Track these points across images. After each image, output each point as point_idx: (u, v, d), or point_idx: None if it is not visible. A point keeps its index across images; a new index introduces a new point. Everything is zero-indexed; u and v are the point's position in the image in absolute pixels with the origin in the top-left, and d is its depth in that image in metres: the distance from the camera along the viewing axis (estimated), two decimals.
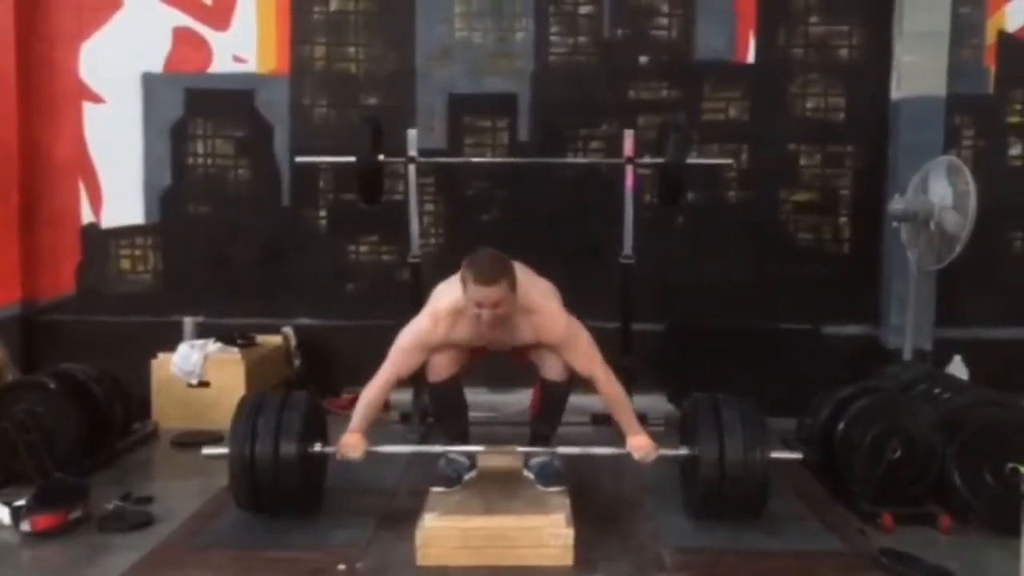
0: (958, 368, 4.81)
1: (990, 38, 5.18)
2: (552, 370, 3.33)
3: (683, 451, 3.36)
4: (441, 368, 3.35)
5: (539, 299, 3.23)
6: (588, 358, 3.22)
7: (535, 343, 3.25)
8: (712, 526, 3.29)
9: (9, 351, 4.90)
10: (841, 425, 3.60)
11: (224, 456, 3.27)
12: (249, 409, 3.35)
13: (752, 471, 3.17)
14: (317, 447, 3.33)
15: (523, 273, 3.22)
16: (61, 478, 3.43)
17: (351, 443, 3.24)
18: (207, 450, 3.42)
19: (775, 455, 3.28)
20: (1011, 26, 5.19)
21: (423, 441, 4.32)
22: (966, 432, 3.42)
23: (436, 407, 3.53)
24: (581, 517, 3.15)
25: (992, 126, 5.22)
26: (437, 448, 3.50)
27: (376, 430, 4.67)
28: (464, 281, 3.04)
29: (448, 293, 3.24)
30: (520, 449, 3.45)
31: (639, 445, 3.25)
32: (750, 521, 3.27)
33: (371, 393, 3.29)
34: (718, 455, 3.18)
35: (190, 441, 4.39)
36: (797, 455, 3.44)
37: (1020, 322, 5.14)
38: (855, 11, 5.23)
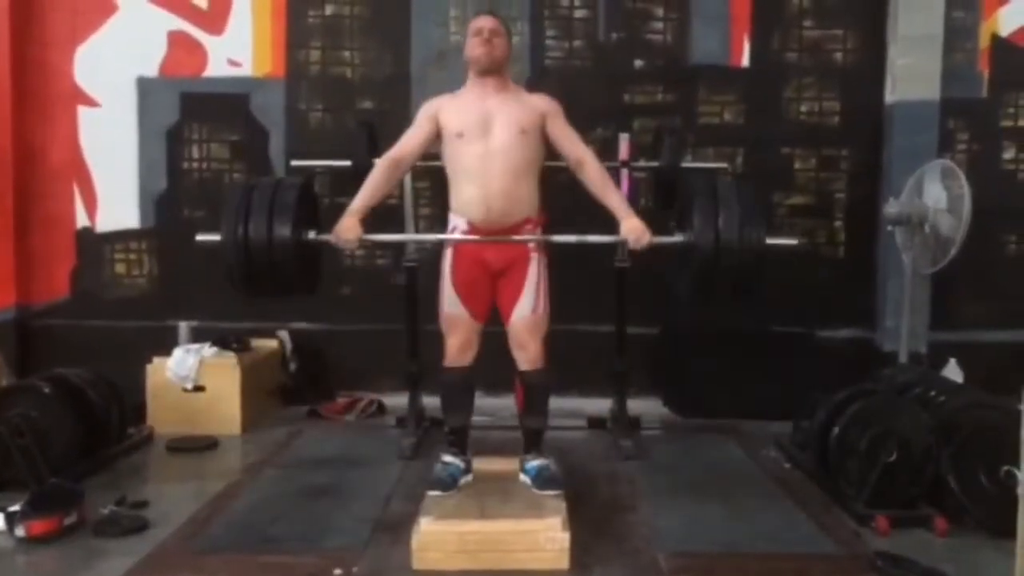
0: (953, 371, 4.82)
1: (984, 42, 5.20)
2: (526, 359, 3.37)
3: (678, 237, 3.37)
4: (457, 354, 3.39)
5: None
6: (575, 137, 3.43)
7: (526, 116, 3.34)
8: (707, 529, 3.30)
9: (3, 355, 4.89)
10: (836, 428, 3.61)
11: (217, 242, 3.24)
12: (241, 193, 3.33)
13: (747, 254, 3.17)
14: (311, 234, 3.32)
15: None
16: (56, 483, 3.42)
17: (347, 226, 3.24)
18: (201, 236, 3.41)
19: (771, 241, 3.30)
20: (1004, 30, 5.21)
21: (419, 447, 4.32)
22: (961, 435, 3.43)
23: (444, 394, 3.52)
24: (577, 521, 3.15)
25: (986, 130, 5.24)
26: (433, 236, 3.53)
27: (371, 435, 4.71)
28: (468, 29, 3.45)
29: None
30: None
31: (633, 227, 3.30)
32: (749, 514, 3.26)
33: (372, 175, 3.36)
34: (714, 239, 3.18)
35: (185, 446, 4.39)
36: (792, 240, 3.47)
37: (1015, 325, 5.16)
38: (849, 15, 5.24)
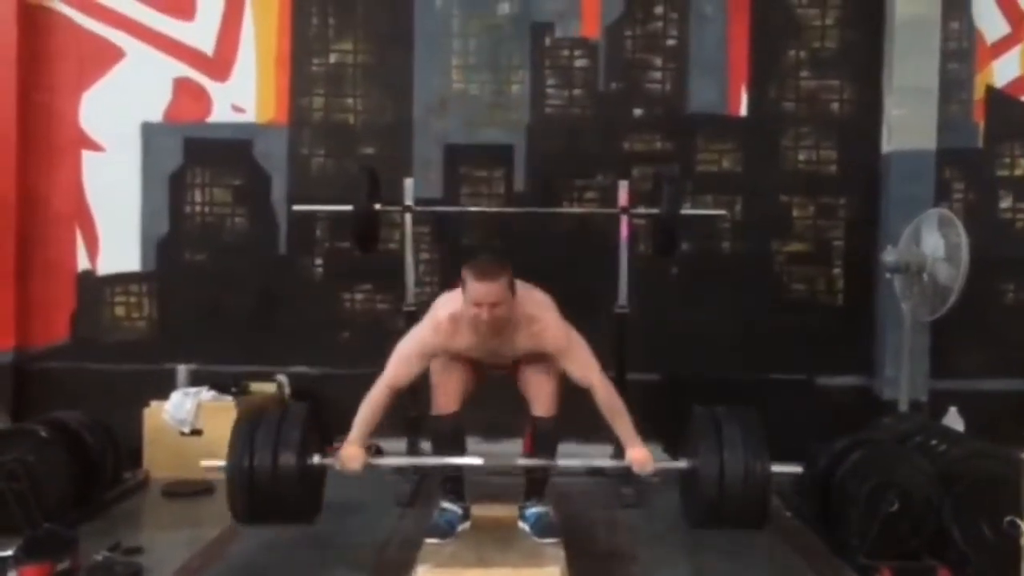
0: (953, 420, 4.80)
1: (978, 93, 5.27)
2: (541, 406, 3.34)
3: (682, 463, 3.33)
4: (445, 402, 3.36)
5: (537, 308, 3.27)
6: (586, 366, 3.25)
7: (533, 351, 3.25)
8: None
9: (0, 399, 4.88)
10: (837, 478, 3.58)
11: (222, 468, 3.23)
12: (247, 422, 3.34)
13: (752, 484, 3.13)
14: (316, 459, 3.30)
15: (521, 285, 3.26)
16: (50, 528, 3.38)
17: (350, 454, 3.24)
18: (206, 462, 3.38)
19: (776, 468, 3.26)
20: (999, 82, 5.28)
21: (416, 493, 4.28)
22: (963, 485, 3.40)
23: (435, 443, 3.49)
24: (576, 570, 3.12)
25: (982, 179, 5.29)
26: (433, 460, 3.48)
27: (368, 481, 4.66)
28: (464, 282, 3.10)
29: (448, 302, 3.28)
30: (520, 462, 3.46)
31: (638, 458, 3.26)
32: (750, 565, 3.23)
33: (369, 404, 3.31)
34: (718, 468, 3.15)
35: (181, 491, 4.36)
36: (797, 468, 3.42)
37: (1014, 374, 5.15)
38: (845, 66, 5.32)
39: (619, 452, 4.53)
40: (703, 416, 3.40)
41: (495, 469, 3.49)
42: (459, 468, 3.46)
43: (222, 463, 3.27)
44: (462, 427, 3.45)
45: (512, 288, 3.12)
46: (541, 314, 3.25)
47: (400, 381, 3.30)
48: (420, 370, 3.31)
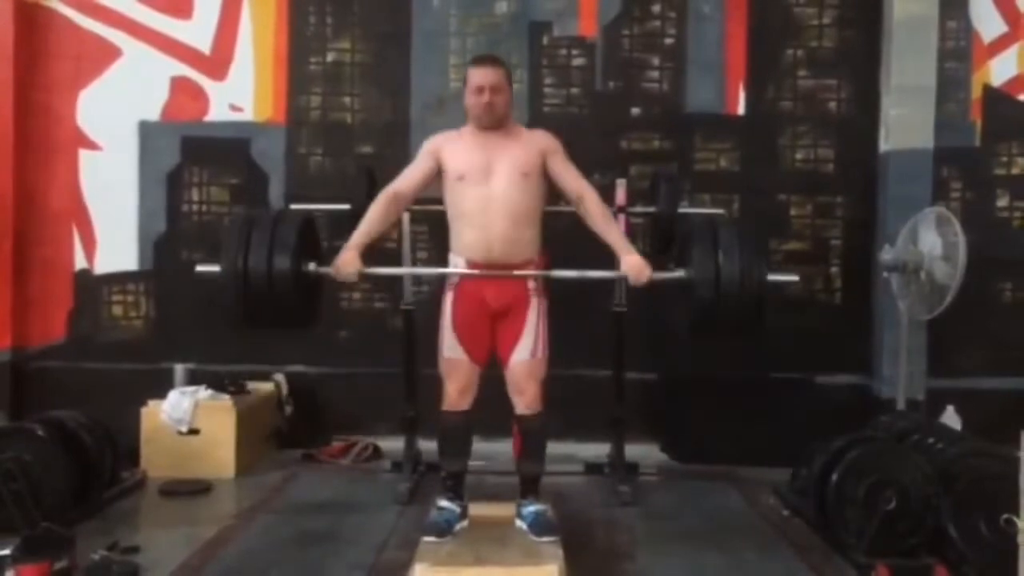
0: (951, 418, 4.82)
1: (976, 92, 5.27)
2: (524, 403, 3.36)
3: (678, 273, 3.34)
4: (456, 398, 3.38)
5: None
6: (575, 173, 3.41)
7: (527, 158, 3.35)
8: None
9: None
10: (834, 476, 3.58)
11: (216, 273, 3.23)
12: (241, 224, 3.33)
13: (748, 290, 3.15)
14: (311, 266, 3.30)
15: None
16: (47, 527, 3.38)
17: (347, 259, 3.26)
18: (201, 267, 3.41)
19: (772, 277, 3.28)
20: (996, 81, 5.28)
21: (414, 492, 4.28)
22: (960, 483, 3.41)
23: (442, 438, 3.51)
24: (574, 568, 3.12)
25: (979, 178, 5.29)
26: (430, 271, 3.52)
27: (366, 480, 4.68)
28: (466, 79, 3.39)
29: None
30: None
31: (633, 264, 3.29)
32: (748, 563, 3.23)
33: (372, 209, 3.37)
34: (714, 276, 3.16)
35: (178, 490, 4.35)
36: (793, 277, 3.48)
37: (1012, 372, 5.15)
38: (843, 65, 5.32)
39: (617, 452, 4.56)
40: (700, 227, 3.40)
41: (491, 480, 3.48)
42: (463, 465, 3.46)
43: (216, 267, 3.25)
44: (471, 426, 3.47)
45: (509, 78, 3.41)
46: (535, 130, 3.57)
47: (404, 184, 3.40)
48: (426, 171, 3.41)
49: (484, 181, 3.32)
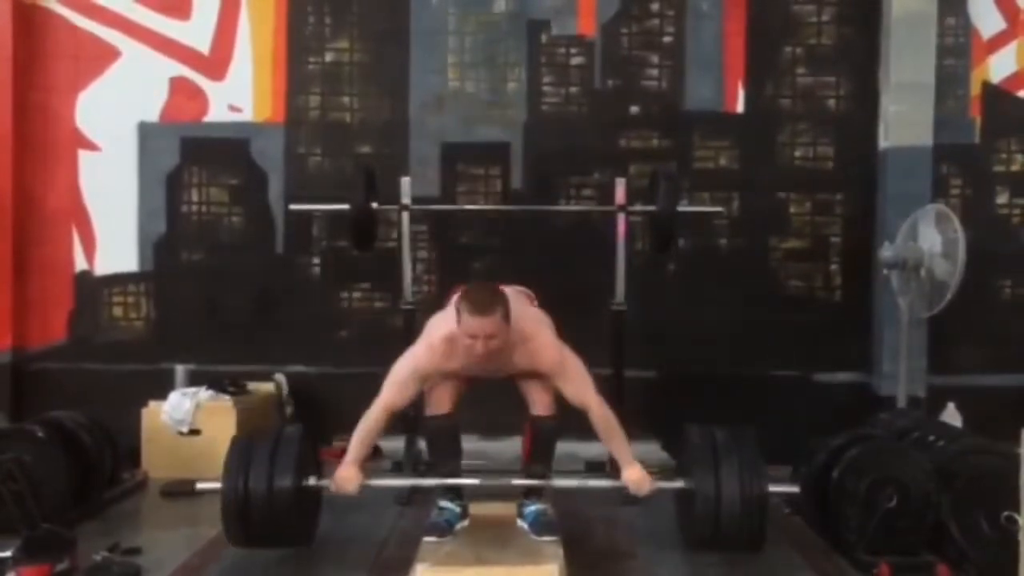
0: (951, 415, 4.81)
1: (975, 89, 5.27)
2: (540, 405, 3.33)
3: (679, 483, 3.33)
4: (440, 402, 3.36)
5: (532, 327, 3.25)
6: (581, 386, 3.23)
7: (528, 371, 3.25)
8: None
9: None
10: (835, 474, 3.58)
11: (217, 490, 3.23)
12: (243, 444, 3.32)
13: (749, 504, 3.14)
14: (312, 481, 3.30)
15: (516, 301, 3.25)
16: (48, 529, 3.38)
17: (346, 476, 3.24)
18: (201, 484, 3.38)
19: (773, 488, 3.26)
20: (995, 77, 5.28)
21: (414, 491, 4.28)
22: (961, 480, 3.41)
23: (431, 443, 3.51)
24: (575, 567, 3.12)
25: (979, 175, 5.29)
26: (431, 482, 3.49)
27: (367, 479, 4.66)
28: (459, 312, 3.07)
29: (443, 323, 3.26)
30: (515, 482, 3.44)
31: (634, 478, 3.25)
32: (749, 562, 3.23)
33: (366, 425, 3.31)
34: (714, 488, 3.15)
35: (179, 491, 4.35)
36: (794, 488, 3.43)
37: (1012, 369, 5.15)
38: (842, 63, 5.32)
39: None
40: (699, 435, 3.38)
41: (491, 489, 3.48)
42: (457, 469, 3.45)
43: (217, 485, 3.26)
44: (457, 426, 3.44)
45: (507, 318, 3.08)
46: (536, 332, 3.24)
47: (396, 403, 3.30)
48: (415, 392, 3.32)
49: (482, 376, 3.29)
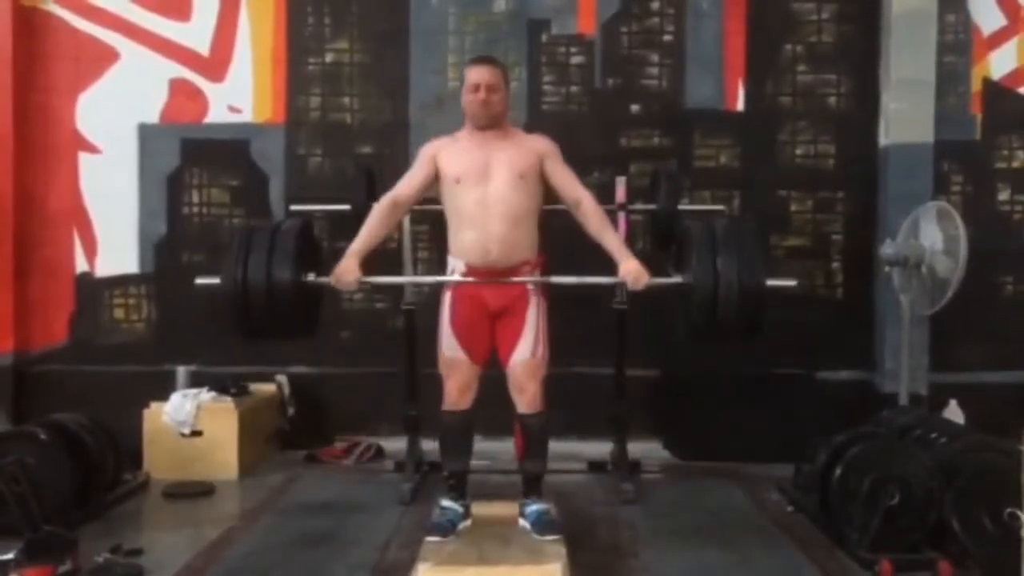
0: (954, 413, 4.80)
1: (975, 86, 5.27)
2: (525, 403, 3.35)
3: (676, 279, 3.34)
4: (457, 397, 3.38)
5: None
6: (572, 177, 3.43)
7: (524, 160, 3.35)
8: (709, 574, 3.26)
9: (0, 402, 4.87)
10: (837, 472, 3.58)
11: (217, 285, 3.23)
12: (242, 237, 3.35)
13: (747, 296, 3.16)
14: (311, 276, 3.30)
15: None
16: (50, 531, 3.38)
17: (346, 267, 3.26)
18: (200, 280, 3.41)
19: (771, 282, 3.27)
20: (996, 74, 5.28)
21: (417, 492, 4.28)
22: (963, 478, 3.40)
23: (443, 438, 3.51)
24: (577, 566, 3.12)
25: (980, 172, 5.28)
26: (429, 279, 3.54)
27: (369, 480, 4.68)
28: (463, 76, 3.41)
29: None
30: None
31: (631, 269, 3.28)
32: (752, 559, 3.23)
33: (371, 216, 3.38)
34: (712, 282, 3.14)
35: (181, 492, 4.36)
36: (791, 282, 3.45)
37: (1014, 366, 5.15)
38: (842, 60, 5.31)
39: (619, 450, 4.56)
40: (698, 230, 3.40)
41: (493, 479, 3.49)
42: (465, 464, 3.46)
43: (216, 279, 3.27)
44: (472, 425, 3.47)
45: (506, 79, 3.42)
46: (533, 133, 3.55)
47: (404, 192, 3.40)
48: (424, 178, 3.40)
49: (481, 182, 3.31)
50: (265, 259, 3.28)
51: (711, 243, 3.31)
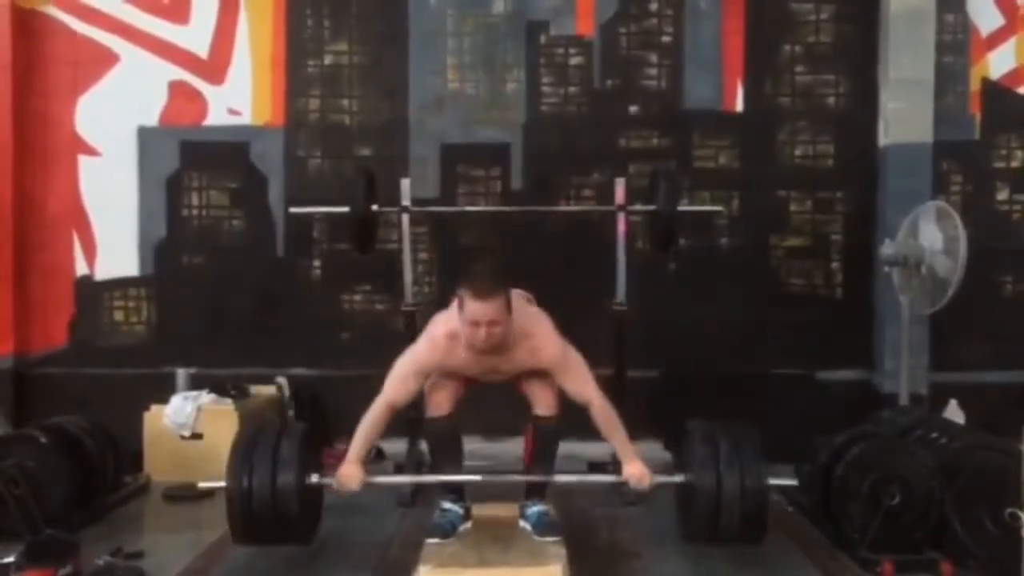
0: (954, 412, 4.80)
1: (974, 85, 5.27)
2: (543, 404, 3.33)
3: (678, 478, 3.33)
4: (439, 404, 3.36)
5: (533, 322, 3.27)
6: (582, 381, 3.25)
7: (530, 367, 3.25)
8: (711, 575, 3.26)
9: (0, 405, 4.87)
10: (838, 472, 3.58)
11: (221, 488, 3.23)
12: (245, 442, 3.34)
13: (749, 498, 3.14)
14: (314, 478, 3.31)
15: (516, 299, 3.25)
16: (51, 533, 3.38)
17: (348, 473, 3.25)
18: (204, 484, 3.39)
19: (773, 481, 3.26)
20: (994, 73, 5.28)
21: (416, 493, 4.28)
22: (964, 477, 3.40)
23: (431, 445, 3.51)
24: (578, 568, 3.12)
25: (979, 171, 5.28)
26: (433, 478, 3.50)
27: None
28: (460, 301, 3.08)
29: (445, 320, 3.28)
30: (516, 478, 3.45)
31: (635, 472, 3.25)
32: (753, 560, 3.23)
33: (367, 422, 3.31)
34: (715, 482, 3.15)
35: (181, 494, 4.35)
36: (793, 481, 3.43)
37: (1014, 365, 5.15)
38: (840, 60, 5.32)
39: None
40: (700, 431, 3.38)
41: (494, 481, 3.48)
42: (458, 470, 3.45)
43: (221, 483, 3.26)
44: (458, 428, 3.44)
45: (509, 306, 3.09)
46: (537, 329, 3.25)
47: (398, 399, 3.30)
48: (417, 388, 3.32)
49: (487, 376, 3.30)
50: (270, 464, 3.25)
51: (712, 443, 3.28)
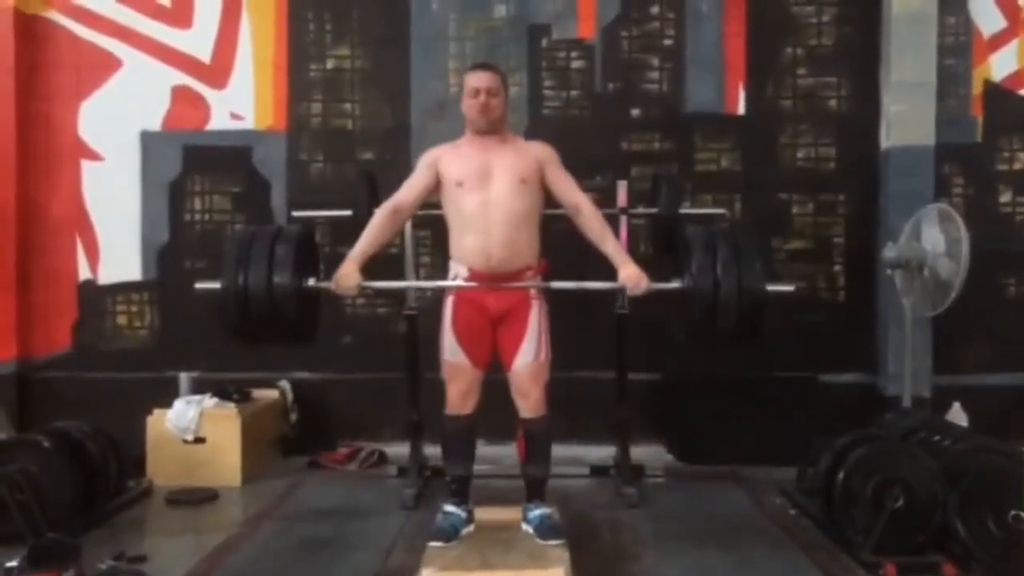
0: (957, 415, 4.80)
1: (976, 88, 5.26)
2: (530, 407, 3.36)
3: (675, 284, 3.34)
4: (460, 402, 3.39)
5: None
6: (571, 184, 3.45)
7: (522, 167, 3.36)
8: None
9: (4, 409, 4.88)
10: (841, 475, 3.57)
11: (216, 289, 3.24)
12: (241, 240, 3.36)
13: (746, 300, 3.16)
14: (311, 281, 3.31)
15: None
16: (54, 538, 3.38)
17: (347, 272, 3.28)
18: (200, 284, 3.42)
19: (771, 287, 3.28)
20: (997, 76, 5.27)
21: (420, 497, 4.28)
22: (967, 480, 3.40)
23: (445, 443, 3.52)
24: (580, 571, 3.12)
25: (981, 174, 5.28)
26: (430, 284, 3.56)
27: (372, 485, 4.68)
28: (464, 81, 3.44)
29: None
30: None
31: (630, 274, 3.29)
32: (755, 563, 3.22)
33: (373, 222, 3.39)
34: (712, 287, 3.15)
35: (184, 498, 4.36)
36: (789, 287, 3.47)
37: (1018, 368, 5.13)
38: (842, 63, 5.31)
39: (622, 454, 4.55)
40: (698, 235, 3.41)
41: (496, 487, 3.50)
42: (468, 469, 3.46)
43: (216, 284, 3.27)
44: (474, 429, 3.48)
45: (505, 85, 3.45)
46: (532, 141, 3.59)
47: (405, 198, 3.42)
48: (425, 184, 3.42)
49: (483, 187, 3.32)
50: (266, 264, 3.28)
51: (711, 248, 3.31)
